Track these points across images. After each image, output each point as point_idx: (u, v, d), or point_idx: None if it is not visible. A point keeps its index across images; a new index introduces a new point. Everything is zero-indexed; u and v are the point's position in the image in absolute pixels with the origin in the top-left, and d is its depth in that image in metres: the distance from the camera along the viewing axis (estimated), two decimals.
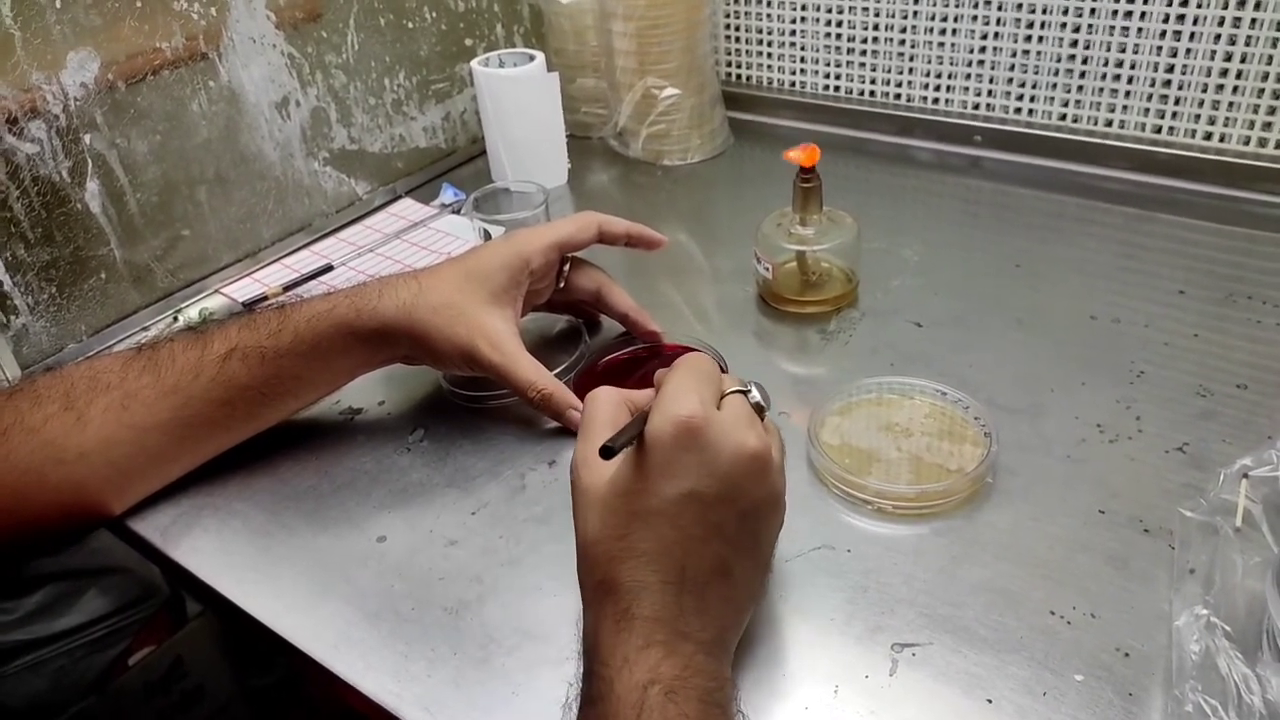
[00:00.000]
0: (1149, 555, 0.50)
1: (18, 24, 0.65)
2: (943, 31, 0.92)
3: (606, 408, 0.45)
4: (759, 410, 0.44)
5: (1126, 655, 0.45)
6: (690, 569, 0.40)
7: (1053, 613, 0.47)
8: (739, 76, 1.08)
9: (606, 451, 0.39)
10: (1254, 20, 0.77)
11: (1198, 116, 0.84)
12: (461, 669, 0.47)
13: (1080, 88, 0.88)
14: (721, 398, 0.43)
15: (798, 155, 0.68)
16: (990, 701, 0.43)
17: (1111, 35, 0.84)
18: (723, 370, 0.64)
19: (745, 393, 0.44)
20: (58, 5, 0.67)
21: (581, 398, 0.59)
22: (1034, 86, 0.90)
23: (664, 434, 0.40)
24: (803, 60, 1.03)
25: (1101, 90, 0.87)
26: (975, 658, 0.45)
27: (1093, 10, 0.84)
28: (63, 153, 0.70)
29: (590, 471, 0.42)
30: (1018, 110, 0.93)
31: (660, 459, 0.40)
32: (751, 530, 0.42)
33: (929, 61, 0.95)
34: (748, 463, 0.41)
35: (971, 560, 0.51)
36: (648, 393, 0.47)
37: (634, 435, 0.41)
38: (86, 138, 0.71)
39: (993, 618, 0.47)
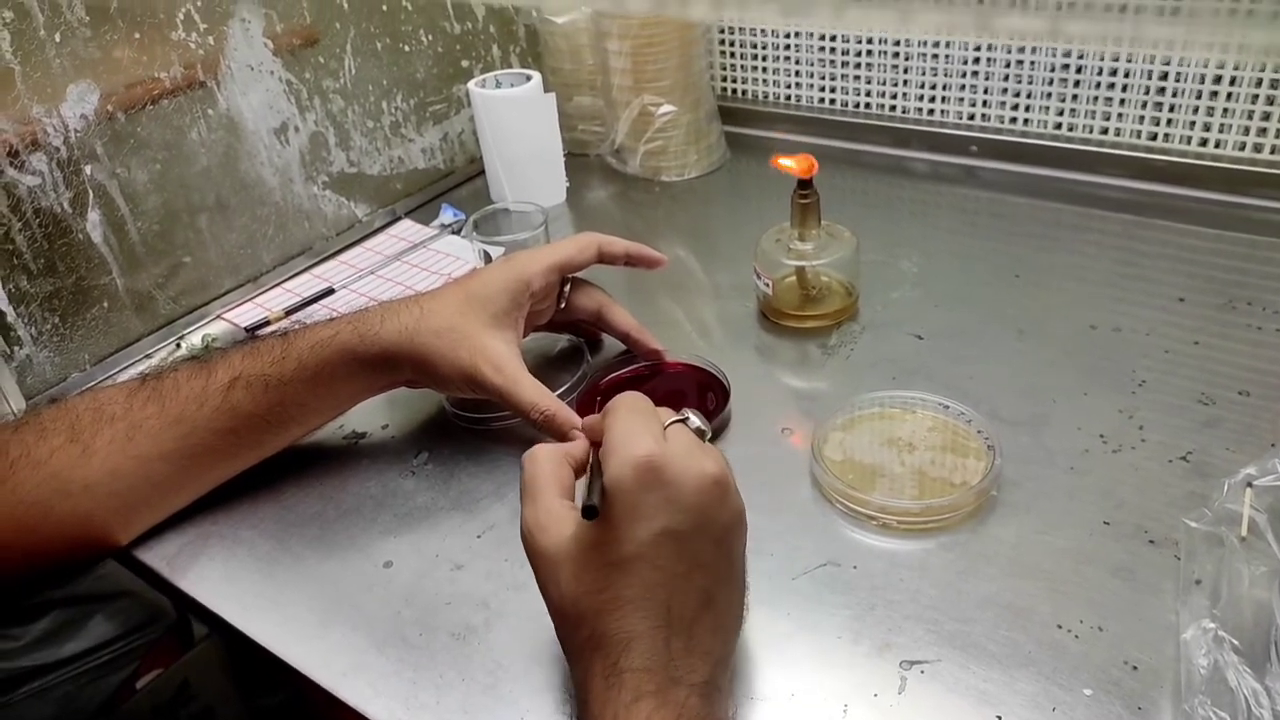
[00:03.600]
0: (1155, 566, 0.50)
1: (17, 58, 0.66)
2: (936, 43, 0.93)
3: (548, 465, 0.44)
4: (700, 435, 0.44)
5: (1135, 668, 0.45)
6: (675, 607, 0.39)
7: (1060, 626, 0.47)
8: (734, 91, 1.09)
9: (590, 511, 0.39)
10: None
11: (1193, 123, 0.84)
12: (470, 695, 0.47)
13: (1075, 96, 0.88)
14: (664, 430, 0.43)
15: (791, 165, 0.68)
16: (1000, 718, 0.43)
17: (1105, 43, 0.85)
18: (725, 389, 0.64)
19: (683, 421, 0.44)
20: (57, 39, 0.67)
21: (584, 416, 0.60)
22: (1029, 96, 0.91)
23: (626, 478, 0.39)
24: (797, 74, 1.03)
25: (1096, 99, 0.87)
26: (984, 674, 0.45)
27: None
28: (64, 184, 0.70)
29: (547, 534, 0.42)
30: (1013, 120, 0.93)
31: (627, 504, 0.40)
32: (726, 554, 0.42)
33: (923, 73, 0.95)
34: (711, 488, 0.40)
35: (978, 575, 0.51)
36: (582, 444, 0.47)
37: (600, 487, 0.40)
38: (87, 168, 0.71)
39: (1000, 633, 0.47)
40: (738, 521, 0.43)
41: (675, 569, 0.40)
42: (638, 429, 0.41)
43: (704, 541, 0.41)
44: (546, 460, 0.45)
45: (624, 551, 0.39)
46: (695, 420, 0.44)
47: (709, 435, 0.45)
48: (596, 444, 0.44)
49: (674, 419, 0.44)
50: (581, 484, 0.46)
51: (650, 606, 0.39)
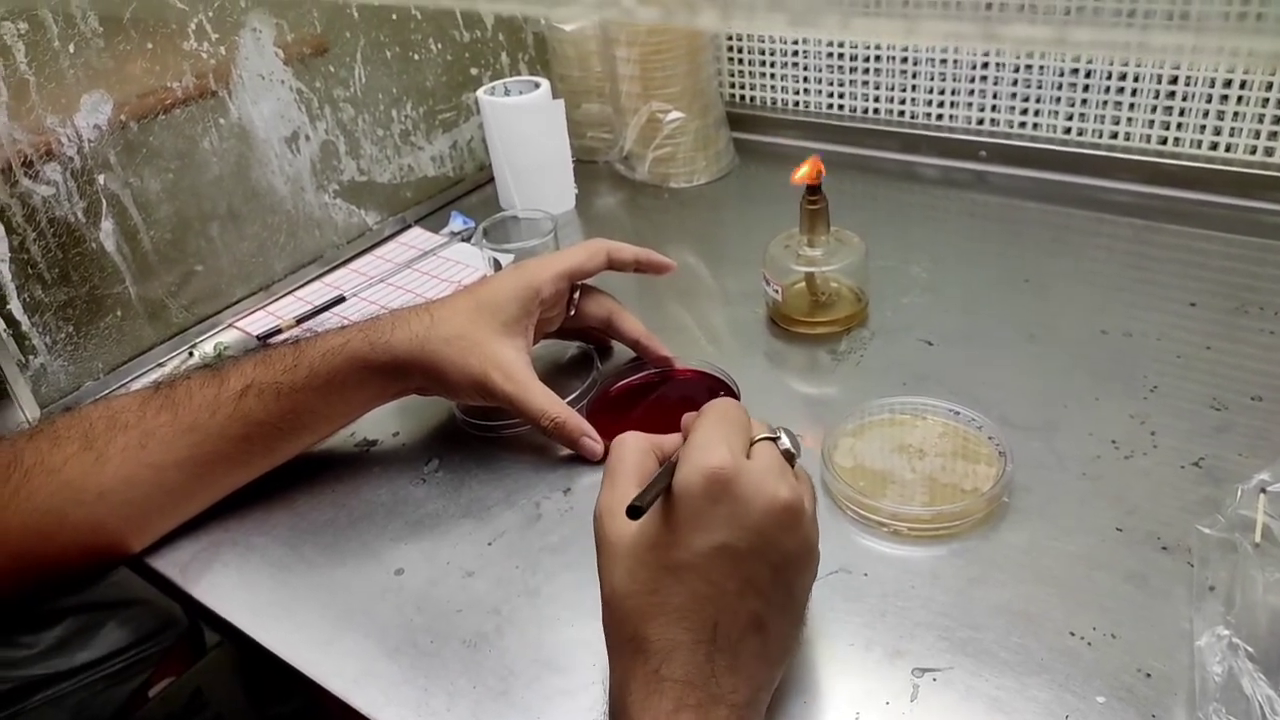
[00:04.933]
0: (1168, 573, 0.50)
1: (32, 69, 0.66)
2: (945, 48, 0.93)
3: (633, 454, 0.44)
4: (789, 457, 0.43)
5: (1148, 676, 0.45)
6: (723, 625, 0.39)
7: (1073, 633, 0.47)
8: (743, 97, 1.09)
9: (634, 511, 0.38)
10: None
11: (1203, 127, 0.84)
12: (481, 702, 0.47)
13: (1084, 101, 0.88)
14: (750, 445, 0.42)
15: (805, 174, 0.68)
16: None
17: (1113, 51, 0.84)
18: (735, 395, 0.64)
19: (774, 439, 0.43)
20: (71, 50, 0.68)
21: (594, 424, 0.60)
22: (1038, 100, 0.91)
23: (694, 485, 0.39)
24: (806, 80, 1.03)
25: (1106, 103, 0.87)
26: (996, 681, 0.45)
27: None
28: (77, 194, 0.71)
29: (616, 522, 0.41)
30: (1022, 124, 0.93)
31: (690, 511, 0.39)
32: (785, 583, 0.41)
33: (932, 78, 0.95)
34: (780, 514, 0.40)
35: (990, 581, 0.50)
36: (674, 438, 0.46)
37: (662, 489, 0.40)
38: (100, 178, 0.72)
39: (1013, 640, 0.47)
40: (804, 553, 0.42)
41: (726, 586, 0.39)
42: (717, 439, 0.41)
43: (761, 565, 0.40)
44: (633, 449, 0.44)
45: (679, 558, 0.39)
46: (786, 441, 0.43)
47: (798, 457, 0.44)
48: None
49: (764, 435, 0.43)
50: None
51: (696, 619, 0.39)
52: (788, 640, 0.43)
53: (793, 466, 0.43)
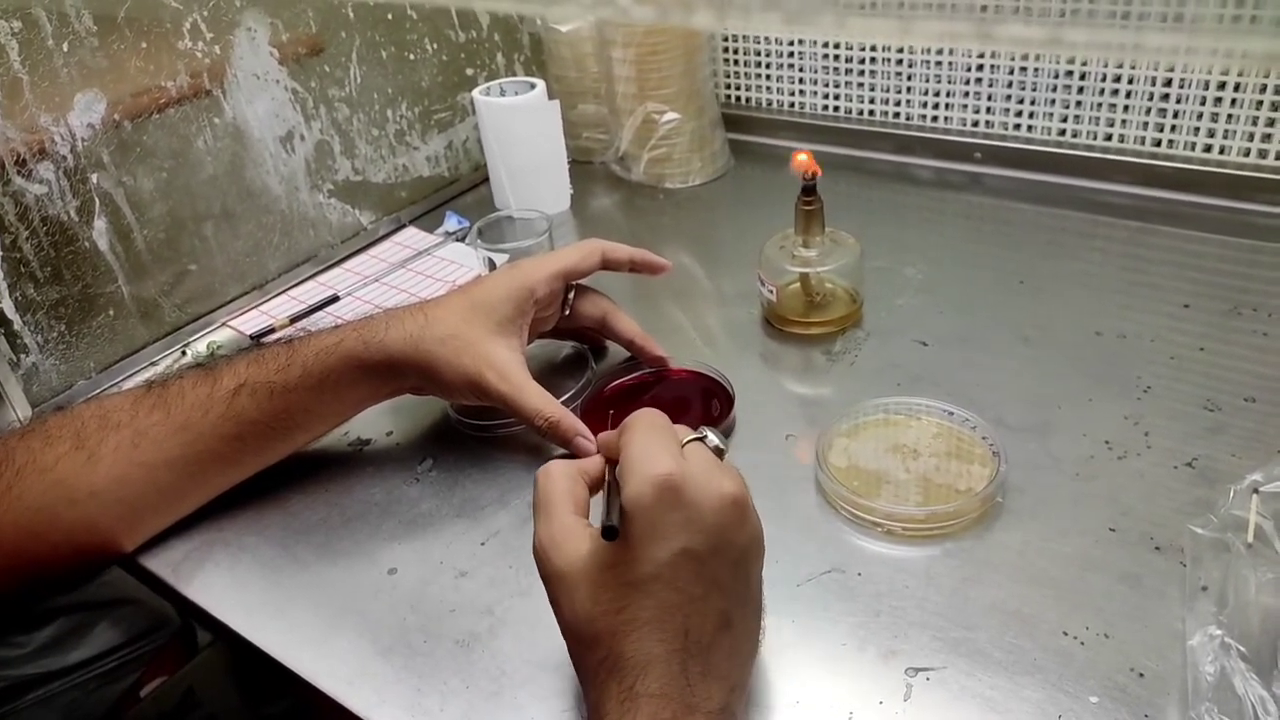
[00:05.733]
0: (1161, 573, 0.50)
1: (25, 67, 0.66)
2: (940, 50, 0.93)
3: (562, 482, 0.44)
4: (719, 453, 0.43)
5: (1141, 675, 0.45)
6: (693, 631, 0.39)
7: (1066, 633, 0.47)
8: (738, 98, 1.09)
9: (610, 531, 0.38)
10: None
11: (1197, 129, 0.84)
12: (474, 702, 0.47)
13: (1079, 103, 0.88)
14: (682, 448, 0.42)
15: (804, 161, 0.67)
16: None
17: (1107, 52, 0.85)
18: (729, 395, 0.64)
19: (702, 439, 0.43)
20: (64, 48, 0.68)
21: (589, 423, 0.60)
22: (1032, 103, 0.91)
23: (646, 497, 0.39)
24: (801, 81, 1.03)
25: (1100, 105, 0.87)
26: (990, 680, 0.45)
27: None
28: (70, 193, 0.70)
29: (561, 552, 0.41)
30: (1017, 126, 0.93)
31: (646, 523, 0.39)
32: (744, 576, 0.42)
33: (927, 80, 0.96)
34: (731, 509, 0.40)
35: (983, 581, 0.51)
36: (596, 460, 0.46)
37: (619, 506, 0.40)
38: (94, 177, 0.72)
39: (1006, 639, 0.47)
40: (755, 543, 0.42)
41: (693, 591, 0.39)
42: (656, 447, 0.40)
43: (722, 563, 0.40)
44: (561, 476, 0.44)
45: (642, 571, 0.39)
46: (714, 439, 0.43)
47: (727, 453, 0.44)
48: (612, 461, 0.43)
49: (692, 437, 0.43)
50: (597, 500, 0.45)
51: (668, 629, 0.39)
52: (753, 632, 0.43)
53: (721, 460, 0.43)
